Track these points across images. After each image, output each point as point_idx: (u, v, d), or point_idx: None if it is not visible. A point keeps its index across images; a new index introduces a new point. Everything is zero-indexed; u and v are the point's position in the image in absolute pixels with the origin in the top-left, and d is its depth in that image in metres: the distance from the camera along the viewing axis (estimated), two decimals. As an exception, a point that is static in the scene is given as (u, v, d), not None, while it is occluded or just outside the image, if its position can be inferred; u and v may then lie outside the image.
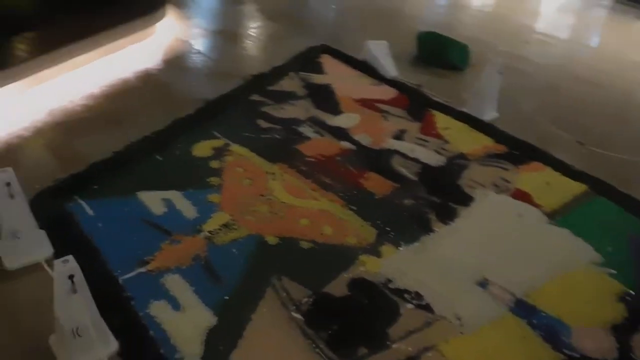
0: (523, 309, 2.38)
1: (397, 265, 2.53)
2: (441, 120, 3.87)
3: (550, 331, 2.27)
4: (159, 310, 2.18)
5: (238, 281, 2.38)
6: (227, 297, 2.29)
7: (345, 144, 3.47)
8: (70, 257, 1.75)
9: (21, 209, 2.21)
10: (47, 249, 2.32)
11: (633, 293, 2.52)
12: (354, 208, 2.90)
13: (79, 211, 2.65)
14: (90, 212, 2.65)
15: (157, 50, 4.43)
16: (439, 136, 3.66)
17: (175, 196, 2.83)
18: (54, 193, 2.74)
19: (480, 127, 3.82)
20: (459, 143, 3.58)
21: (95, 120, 3.45)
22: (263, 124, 3.62)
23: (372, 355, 2.11)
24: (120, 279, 2.30)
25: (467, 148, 3.54)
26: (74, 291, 1.73)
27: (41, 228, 2.40)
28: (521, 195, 3.12)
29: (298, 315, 2.23)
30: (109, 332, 1.96)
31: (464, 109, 4.05)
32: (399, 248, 2.65)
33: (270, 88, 4.11)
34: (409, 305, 2.34)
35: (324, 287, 2.39)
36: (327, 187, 3.04)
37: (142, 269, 2.36)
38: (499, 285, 2.48)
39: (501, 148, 3.58)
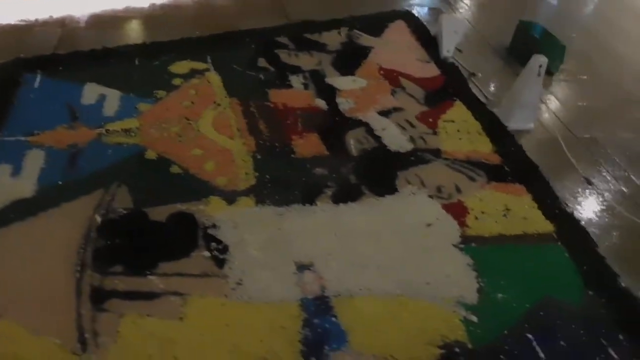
0: (316, 306, 2.17)
1: (237, 217, 2.50)
2: (455, 112, 3.49)
3: (320, 337, 2.05)
4: None
5: (85, 175, 2.60)
6: (60, 182, 2.53)
7: (320, 102, 3.39)
8: None
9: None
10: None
11: (470, 347, 2.09)
12: (259, 157, 2.88)
13: (29, 82, 3.15)
14: (36, 85, 3.13)
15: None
16: (432, 126, 3.33)
17: (113, 95, 3.15)
18: (28, 63, 3.26)
19: (494, 132, 3.34)
20: (447, 139, 3.22)
21: (137, 21, 3.87)
22: (262, 62, 3.71)
23: (121, 276, 2.18)
24: (-1, 139, 2.69)
25: (452, 146, 3.16)
26: None
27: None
28: (456, 209, 2.72)
29: (98, 218, 2.38)
30: None
31: (496, 110, 3.56)
32: (258, 205, 2.58)
33: (307, 35, 4.12)
34: (206, 253, 2.32)
35: (148, 207, 2.47)
36: (254, 132, 3.06)
37: (22, 138, 2.74)
38: (318, 275, 2.28)
39: (494, 159, 3.12)
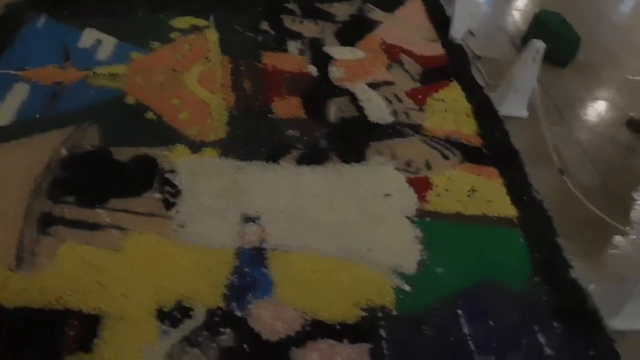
0: (251, 256, 2.21)
1: (197, 166, 2.56)
2: (448, 92, 3.43)
3: (246, 285, 2.10)
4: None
5: (63, 112, 2.71)
6: (38, 116, 2.65)
7: (311, 68, 3.40)
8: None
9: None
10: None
11: (394, 314, 2.10)
12: (235, 113, 2.93)
13: (33, 22, 3.27)
14: (39, 25, 3.26)
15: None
16: (420, 102, 3.29)
17: (109, 41, 3.25)
18: (37, 4, 3.39)
19: (483, 115, 3.28)
20: (432, 116, 3.17)
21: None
22: (264, 25, 3.73)
23: (72, 205, 2.28)
24: (-8, 70, 2.84)
25: (434, 124, 3.12)
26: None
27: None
28: (420, 184, 2.70)
29: (64, 151, 2.49)
30: None
31: (492, 94, 3.48)
32: (221, 157, 2.63)
33: (317, 4, 4.11)
34: (157, 195, 2.39)
35: (114, 147, 2.56)
36: (236, 89, 3.10)
37: (13, 72, 2.87)
38: (261, 228, 2.32)
39: (475, 141, 3.06)
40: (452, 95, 3.39)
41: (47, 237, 2.12)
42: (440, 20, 4.22)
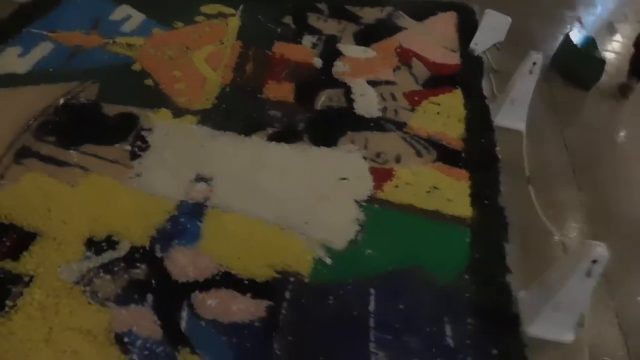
0: (190, 209, 2.37)
1: (173, 128, 2.77)
2: (448, 98, 3.44)
3: (176, 233, 2.26)
4: (11, 51, 3.05)
5: (73, 69, 3.04)
6: (51, 70, 2.99)
7: (317, 61, 3.53)
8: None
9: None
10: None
11: (306, 281, 2.18)
12: (227, 90, 3.12)
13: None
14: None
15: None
16: (415, 103, 3.33)
17: (137, 17, 3.58)
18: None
19: (474, 122, 3.27)
20: (422, 117, 3.20)
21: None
22: (287, 20, 3.92)
23: (50, 145, 2.57)
24: (27, 29, 3.23)
25: (420, 124, 3.15)
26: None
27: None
28: (380, 174, 2.75)
29: (62, 100, 2.80)
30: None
31: (492, 105, 3.46)
32: (199, 124, 2.83)
33: (347, 6, 4.24)
34: (127, 147, 2.63)
35: (107, 104, 2.84)
36: (238, 70, 3.30)
37: (45, 32, 3.24)
38: (209, 187, 2.48)
39: (456, 144, 3.06)
40: (451, 101, 3.38)
41: (19, 166, 2.39)
42: (469, 33, 4.18)
